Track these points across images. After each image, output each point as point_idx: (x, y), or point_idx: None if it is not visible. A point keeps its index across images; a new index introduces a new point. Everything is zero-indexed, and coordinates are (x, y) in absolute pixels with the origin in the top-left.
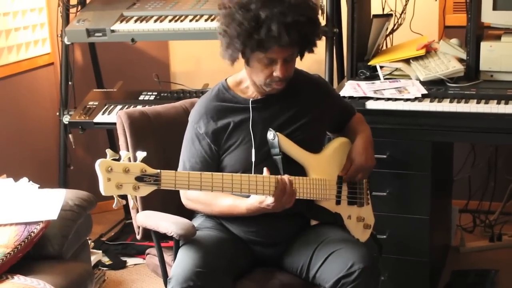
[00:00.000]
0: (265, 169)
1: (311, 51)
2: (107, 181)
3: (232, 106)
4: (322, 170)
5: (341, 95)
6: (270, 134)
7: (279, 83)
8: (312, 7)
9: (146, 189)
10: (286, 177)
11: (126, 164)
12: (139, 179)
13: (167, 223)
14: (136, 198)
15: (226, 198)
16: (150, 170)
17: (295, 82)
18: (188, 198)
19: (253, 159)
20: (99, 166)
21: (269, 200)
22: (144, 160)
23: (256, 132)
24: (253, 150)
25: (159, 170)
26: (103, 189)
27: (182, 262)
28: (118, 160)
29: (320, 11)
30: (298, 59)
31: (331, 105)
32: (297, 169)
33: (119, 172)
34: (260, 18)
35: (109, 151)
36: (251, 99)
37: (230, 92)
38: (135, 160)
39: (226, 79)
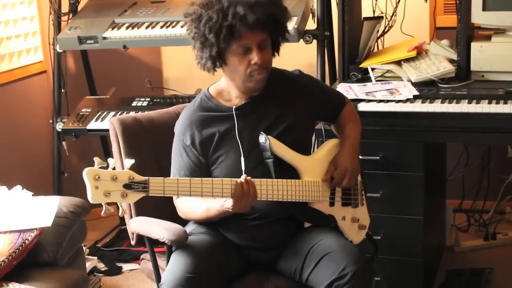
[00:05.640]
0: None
1: (284, 38)
2: (95, 189)
3: (215, 115)
4: (315, 172)
5: None
6: (262, 138)
7: (259, 72)
8: None
9: (134, 196)
10: (242, 178)
11: (114, 172)
12: (127, 186)
13: (159, 229)
14: (130, 205)
15: (201, 204)
16: (138, 177)
17: (276, 83)
18: (178, 208)
19: (243, 167)
20: (87, 174)
21: (228, 203)
22: (136, 166)
23: (243, 139)
24: (242, 158)
25: (147, 177)
26: (90, 197)
27: (173, 268)
28: (106, 168)
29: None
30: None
31: (315, 101)
32: (290, 171)
33: (106, 180)
34: (224, 8)
35: (96, 159)
36: (234, 107)
37: (213, 101)
38: (123, 168)
39: (208, 88)
